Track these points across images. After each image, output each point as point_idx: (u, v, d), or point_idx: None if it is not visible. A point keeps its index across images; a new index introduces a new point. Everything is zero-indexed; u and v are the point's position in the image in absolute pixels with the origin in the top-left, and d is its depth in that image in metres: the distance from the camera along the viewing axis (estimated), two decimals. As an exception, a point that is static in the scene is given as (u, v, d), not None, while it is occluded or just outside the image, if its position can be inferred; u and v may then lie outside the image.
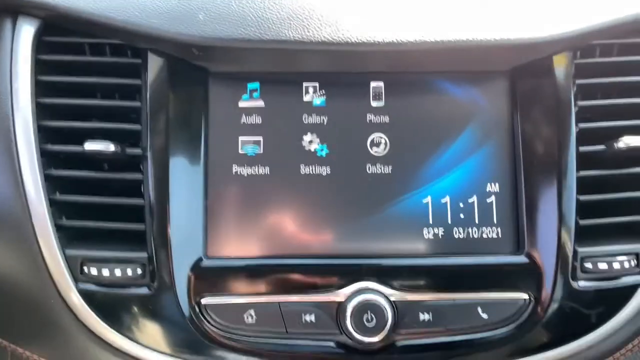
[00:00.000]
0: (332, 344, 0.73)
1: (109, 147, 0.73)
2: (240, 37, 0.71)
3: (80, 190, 0.75)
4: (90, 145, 0.73)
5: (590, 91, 0.80)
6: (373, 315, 0.71)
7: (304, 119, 0.78)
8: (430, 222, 0.76)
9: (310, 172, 0.77)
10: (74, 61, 0.77)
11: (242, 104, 0.78)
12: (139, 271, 0.72)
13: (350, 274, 0.73)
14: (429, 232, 0.76)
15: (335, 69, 0.78)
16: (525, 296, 0.74)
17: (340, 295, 0.72)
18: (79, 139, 0.74)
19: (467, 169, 0.77)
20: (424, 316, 0.73)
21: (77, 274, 0.73)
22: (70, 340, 0.74)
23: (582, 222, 0.75)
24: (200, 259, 0.73)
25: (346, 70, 0.78)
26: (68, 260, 0.72)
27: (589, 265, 0.74)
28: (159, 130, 0.74)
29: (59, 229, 0.73)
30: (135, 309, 0.73)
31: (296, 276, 0.73)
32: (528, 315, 0.74)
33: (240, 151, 0.77)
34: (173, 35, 0.71)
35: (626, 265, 0.75)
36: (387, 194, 0.77)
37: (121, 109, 0.77)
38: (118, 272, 0.72)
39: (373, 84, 0.79)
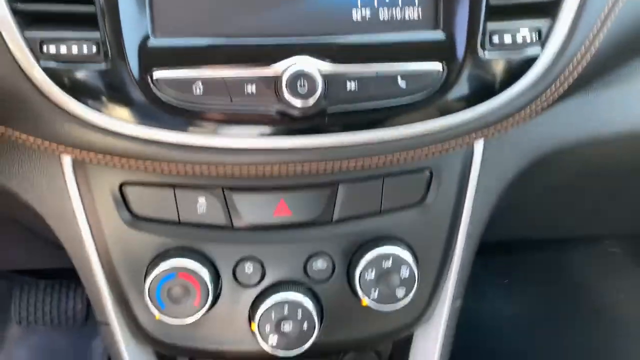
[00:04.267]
0: (271, 110, 0.83)
1: None
2: None
3: None
4: None
5: None
6: (305, 82, 0.81)
7: None
8: (358, 3, 0.84)
9: None
10: None
11: None
12: (94, 49, 0.80)
13: (286, 50, 0.82)
14: (357, 13, 0.85)
15: None
16: (439, 66, 0.85)
17: (277, 67, 0.82)
18: None
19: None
20: (350, 85, 0.83)
21: (38, 53, 0.80)
22: (40, 114, 0.83)
23: (492, 1, 0.84)
24: (147, 37, 0.81)
25: None
26: (28, 40, 0.79)
27: (496, 39, 0.85)
28: None
29: (15, 13, 0.78)
30: (93, 82, 0.81)
31: (239, 53, 0.82)
32: (442, 83, 0.85)
33: None
34: None
35: (528, 39, 0.85)
36: None
37: None
38: (75, 50, 0.80)
39: None
